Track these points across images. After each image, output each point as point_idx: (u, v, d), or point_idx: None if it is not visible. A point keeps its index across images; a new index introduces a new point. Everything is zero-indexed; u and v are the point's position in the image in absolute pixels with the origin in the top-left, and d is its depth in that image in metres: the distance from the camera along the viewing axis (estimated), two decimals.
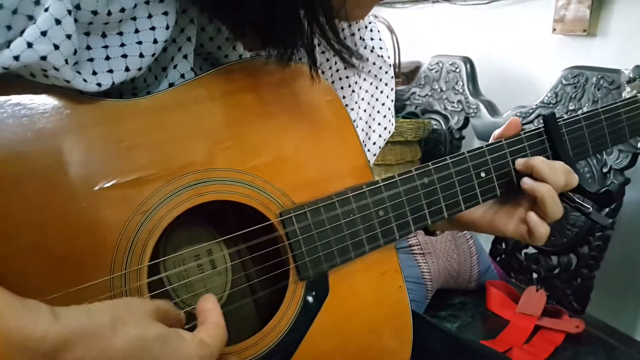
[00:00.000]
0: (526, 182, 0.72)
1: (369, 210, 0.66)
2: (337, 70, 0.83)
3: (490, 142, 0.75)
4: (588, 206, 0.76)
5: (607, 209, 1.40)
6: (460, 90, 1.91)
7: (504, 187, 0.74)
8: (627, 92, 0.87)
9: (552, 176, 0.70)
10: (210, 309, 0.50)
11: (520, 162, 0.73)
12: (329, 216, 0.63)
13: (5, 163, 0.49)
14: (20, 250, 0.49)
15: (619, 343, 1.38)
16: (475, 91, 1.89)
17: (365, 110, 0.87)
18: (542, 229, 0.70)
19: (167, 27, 0.56)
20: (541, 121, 1.55)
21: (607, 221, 0.78)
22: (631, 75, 0.87)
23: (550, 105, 1.57)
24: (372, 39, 0.85)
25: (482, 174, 0.73)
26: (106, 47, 0.54)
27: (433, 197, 0.69)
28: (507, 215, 0.75)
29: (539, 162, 0.71)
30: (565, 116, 1.46)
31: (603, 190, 0.74)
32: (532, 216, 0.71)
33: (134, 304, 0.45)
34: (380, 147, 0.89)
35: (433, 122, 2.02)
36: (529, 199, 0.73)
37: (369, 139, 0.88)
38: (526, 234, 0.72)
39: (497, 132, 0.77)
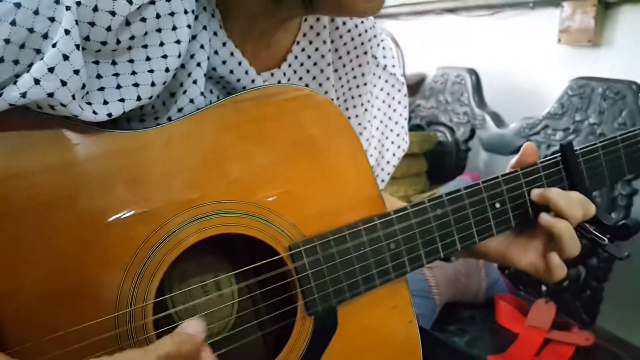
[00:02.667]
0: (544, 217, 0.70)
1: (380, 243, 0.64)
2: (350, 89, 0.82)
3: (506, 171, 0.73)
4: (604, 238, 0.74)
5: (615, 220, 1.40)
6: (466, 102, 1.91)
7: (519, 219, 0.72)
8: None
9: (569, 208, 0.69)
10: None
11: (536, 193, 0.71)
12: (339, 250, 0.62)
13: (11, 197, 0.49)
14: (24, 285, 0.49)
15: (629, 356, 1.37)
16: (481, 102, 1.89)
17: (377, 129, 0.86)
18: (562, 272, 0.69)
19: (179, 56, 0.56)
20: (548, 133, 1.56)
21: (623, 254, 0.76)
22: None
23: (557, 116, 1.57)
24: (384, 57, 0.85)
25: (497, 205, 0.71)
26: (117, 75, 0.53)
27: (446, 230, 0.68)
28: (521, 248, 0.74)
29: (555, 194, 0.69)
30: (572, 127, 1.48)
31: (621, 223, 0.72)
32: (555, 258, 0.69)
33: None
34: (394, 166, 0.89)
35: (439, 134, 2.01)
36: (545, 233, 0.71)
37: (383, 157, 0.87)
38: (542, 271, 0.70)
39: (513, 160, 0.76)
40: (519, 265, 0.73)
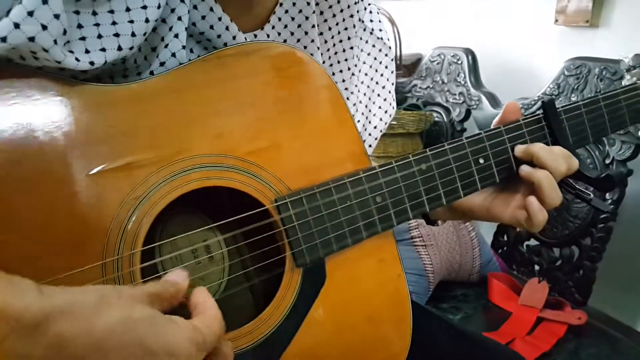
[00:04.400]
0: (524, 169, 0.71)
1: (365, 196, 0.65)
2: (336, 53, 0.82)
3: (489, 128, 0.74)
4: (589, 193, 0.75)
5: (609, 199, 1.40)
6: (462, 82, 1.91)
7: (503, 174, 0.74)
8: (626, 80, 0.88)
9: (553, 162, 0.70)
10: (204, 301, 0.49)
11: (520, 149, 0.73)
12: (325, 202, 0.63)
13: None
14: (9, 236, 0.49)
15: (621, 334, 1.37)
16: (477, 83, 1.88)
17: (365, 94, 0.86)
18: (541, 216, 0.69)
19: (159, 7, 0.56)
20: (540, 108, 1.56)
21: (608, 207, 0.78)
22: (631, 64, 0.88)
23: (553, 96, 1.56)
24: (371, 20, 0.84)
25: (481, 161, 0.72)
26: (97, 25, 0.53)
27: (431, 184, 0.69)
28: (504, 201, 0.74)
29: (539, 149, 0.70)
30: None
31: (603, 175, 0.73)
32: (533, 201, 0.69)
33: (123, 288, 0.44)
34: (382, 131, 0.88)
35: (434, 114, 2.01)
36: (527, 185, 0.72)
37: (370, 122, 0.87)
38: (523, 220, 0.71)
39: (496, 119, 0.77)
40: (503, 219, 0.74)
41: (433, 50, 2.07)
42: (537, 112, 0.76)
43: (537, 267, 1.62)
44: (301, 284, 0.63)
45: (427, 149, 0.69)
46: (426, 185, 0.69)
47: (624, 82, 0.87)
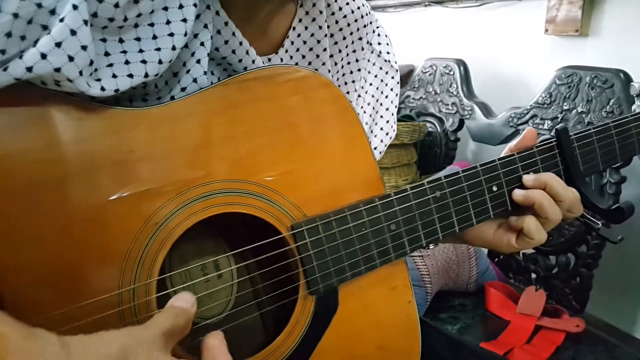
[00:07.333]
0: (518, 192, 0.72)
1: (380, 224, 0.65)
2: (344, 75, 0.83)
3: (502, 155, 0.74)
4: (597, 222, 0.75)
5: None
6: (455, 93, 1.92)
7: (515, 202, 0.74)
8: (637, 106, 0.87)
9: (565, 191, 0.70)
10: (217, 346, 0.49)
11: (530, 179, 0.72)
12: (340, 230, 0.62)
13: (13, 172, 0.48)
14: (27, 262, 0.48)
15: (619, 341, 1.38)
16: (470, 93, 1.89)
17: (370, 115, 0.86)
18: (537, 237, 0.70)
19: (185, 34, 0.56)
20: (536, 122, 1.57)
21: (616, 238, 0.77)
22: None
23: (545, 105, 1.57)
24: (379, 43, 0.85)
25: (494, 188, 0.72)
26: (124, 52, 0.53)
27: (445, 211, 0.69)
28: (504, 231, 0.75)
29: (551, 177, 0.71)
30: (560, 116, 1.49)
31: (614, 206, 0.73)
32: (527, 220, 0.70)
33: (140, 334, 0.44)
34: (381, 153, 0.88)
35: (428, 124, 2.02)
36: (529, 210, 0.72)
37: (370, 143, 0.87)
38: (522, 243, 0.72)
39: (512, 143, 0.77)
40: (509, 247, 0.74)
41: (425, 61, 2.08)
42: (550, 140, 0.76)
43: (533, 275, 1.62)
44: (314, 312, 0.62)
45: (442, 176, 0.69)
46: (440, 212, 0.68)
47: (634, 108, 0.87)
